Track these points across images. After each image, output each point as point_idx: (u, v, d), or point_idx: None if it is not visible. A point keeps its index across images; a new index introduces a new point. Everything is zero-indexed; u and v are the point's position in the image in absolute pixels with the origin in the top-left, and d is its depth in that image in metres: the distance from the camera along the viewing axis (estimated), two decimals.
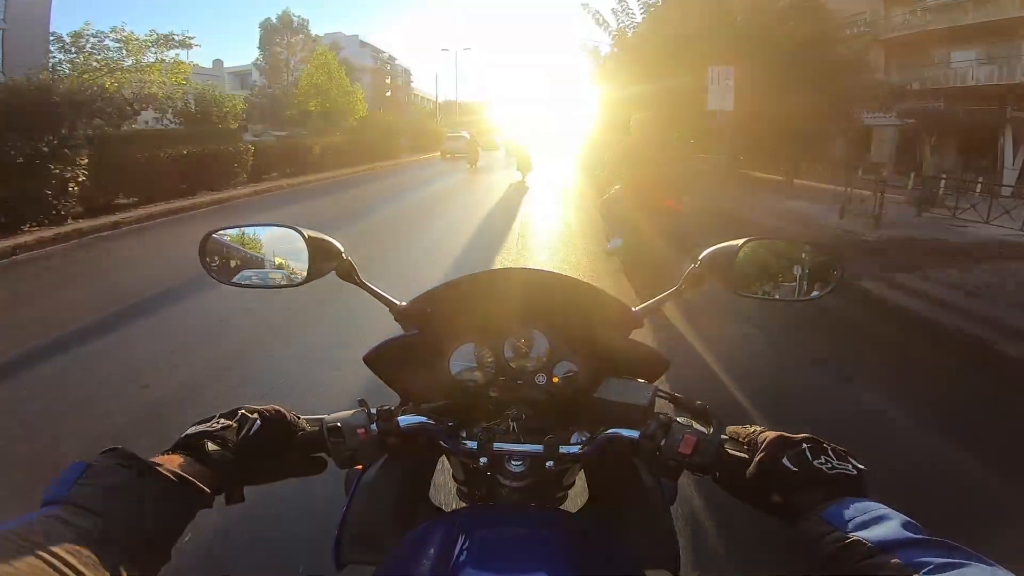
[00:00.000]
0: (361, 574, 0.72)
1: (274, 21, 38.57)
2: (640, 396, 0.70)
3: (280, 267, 0.80)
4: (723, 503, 1.88)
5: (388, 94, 59.38)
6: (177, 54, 13.41)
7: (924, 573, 0.39)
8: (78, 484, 0.45)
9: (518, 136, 28.73)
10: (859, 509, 0.48)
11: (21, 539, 0.37)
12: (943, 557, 0.40)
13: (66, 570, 0.37)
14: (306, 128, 21.05)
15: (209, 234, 0.79)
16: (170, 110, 12.87)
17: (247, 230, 0.80)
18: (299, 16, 39.08)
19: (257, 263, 0.80)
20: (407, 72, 68.47)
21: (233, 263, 0.80)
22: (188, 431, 0.57)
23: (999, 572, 0.39)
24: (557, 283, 0.83)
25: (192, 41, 13.58)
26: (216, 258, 0.80)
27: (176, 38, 13.35)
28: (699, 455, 0.61)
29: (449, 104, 60.79)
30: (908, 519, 0.45)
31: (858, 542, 0.44)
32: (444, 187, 14.96)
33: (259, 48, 39.13)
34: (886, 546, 0.43)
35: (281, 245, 0.79)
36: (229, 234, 0.80)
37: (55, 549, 0.38)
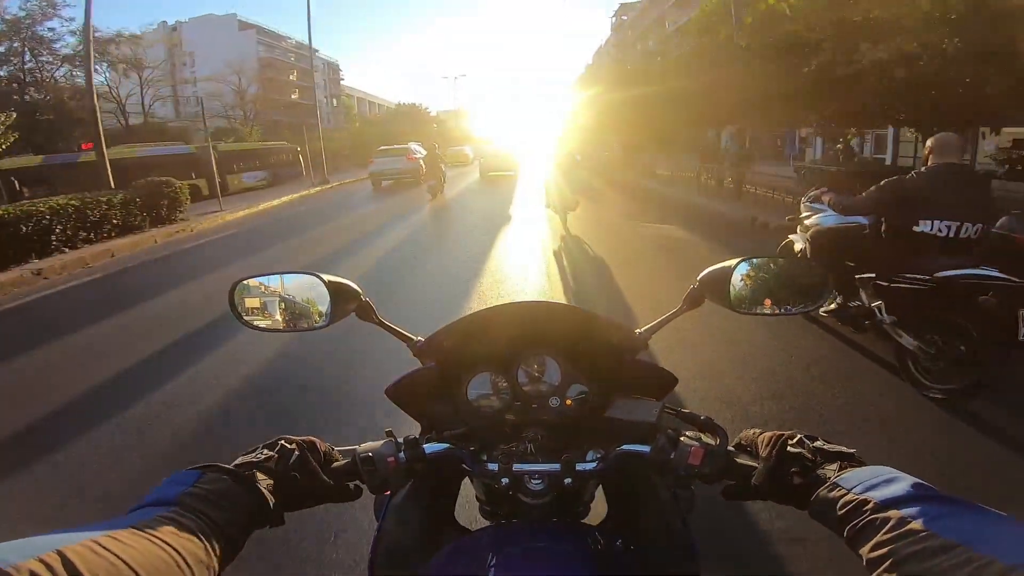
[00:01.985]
0: None
1: None
2: (648, 413, 0.75)
3: (304, 311, 0.85)
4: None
5: (294, 96, 45.40)
6: None
7: (922, 522, 0.43)
8: (191, 487, 0.52)
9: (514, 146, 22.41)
10: (870, 473, 0.52)
11: (147, 535, 0.44)
12: (943, 509, 0.44)
13: (181, 563, 0.43)
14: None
15: (237, 283, 0.84)
16: None
17: (271, 278, 0.86)
18: None
19: (283, 308, 0.85)
20: (333, 67, 54.37)
21: (260, 309, 0.86)
22: (237, 460, 0.63)
23: (991, 514, 0.43)
24: (564, 312, 0.88)
25: None
26: (244, 305, 0.85)
27: None
28: (708, 465, 0.66)
29: (405, 109, 47.86)
30: (917, 480, 0.49)
31: (865, 500, 0.48)
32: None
33: None
34: (891, 503, 0.47)
35: (304, 290, 0.84)
36: (255, 282, 0.85)
37: (173, 544, 0.44)
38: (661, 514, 0.80)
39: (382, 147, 20.58)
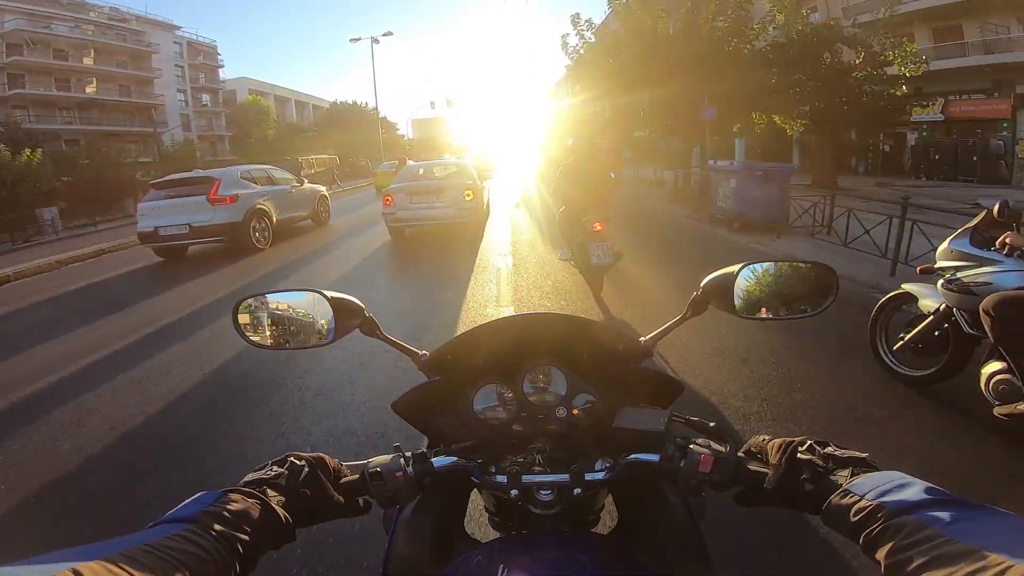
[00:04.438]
0: None
1: None
2: (656, 422, 0.75)
3: (308, 328, 0.84)
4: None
5: (90, 89, 29.82)
6: None
7: (939, 527, 0.43)
8: (209, 507, 0.53)
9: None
10: (881, 479, 0.52)
11: (161, 553, 0.44)
12: (958, 513, 0.44)
13: None
14: None
15: (240, 302, 0.84)
16: None
17: (274, 296, 0.85)
18: None
19: (286, 326, 0.85)
20: (207, 50, 39.29)
21: (264, 327, 0.85)
22: (246, 478, 0.63)
23: (1007, 517, 0.42)
24: (567, 323, 0.88)
25: None
26: (248, 324, 0.85)
27: None
28: (718, 473, 0.65)
29: (343, 109, 37.09)
30: (930, 485, 0.49)
31: (879, 506, 0.48)
32: None
33: None
34: (905, 508, 0.46)
35: (307, 308, 0.84)
36: (258, 301, 0.85)
37: (187, 563, 0.45)
38: (672, 522, 0.80)
39: (165, 177, 9.93)
